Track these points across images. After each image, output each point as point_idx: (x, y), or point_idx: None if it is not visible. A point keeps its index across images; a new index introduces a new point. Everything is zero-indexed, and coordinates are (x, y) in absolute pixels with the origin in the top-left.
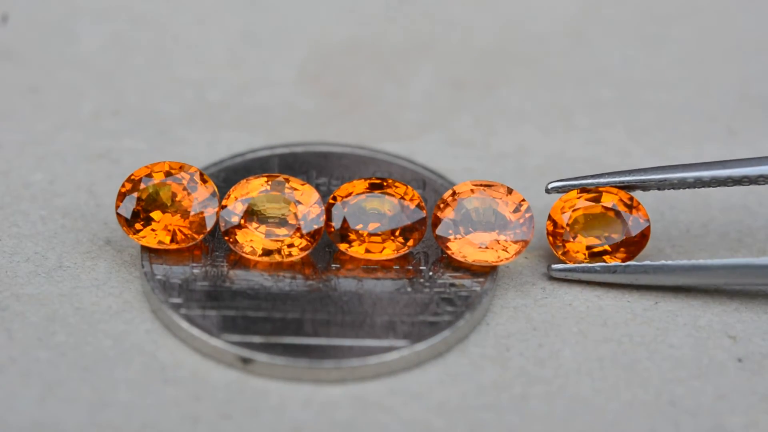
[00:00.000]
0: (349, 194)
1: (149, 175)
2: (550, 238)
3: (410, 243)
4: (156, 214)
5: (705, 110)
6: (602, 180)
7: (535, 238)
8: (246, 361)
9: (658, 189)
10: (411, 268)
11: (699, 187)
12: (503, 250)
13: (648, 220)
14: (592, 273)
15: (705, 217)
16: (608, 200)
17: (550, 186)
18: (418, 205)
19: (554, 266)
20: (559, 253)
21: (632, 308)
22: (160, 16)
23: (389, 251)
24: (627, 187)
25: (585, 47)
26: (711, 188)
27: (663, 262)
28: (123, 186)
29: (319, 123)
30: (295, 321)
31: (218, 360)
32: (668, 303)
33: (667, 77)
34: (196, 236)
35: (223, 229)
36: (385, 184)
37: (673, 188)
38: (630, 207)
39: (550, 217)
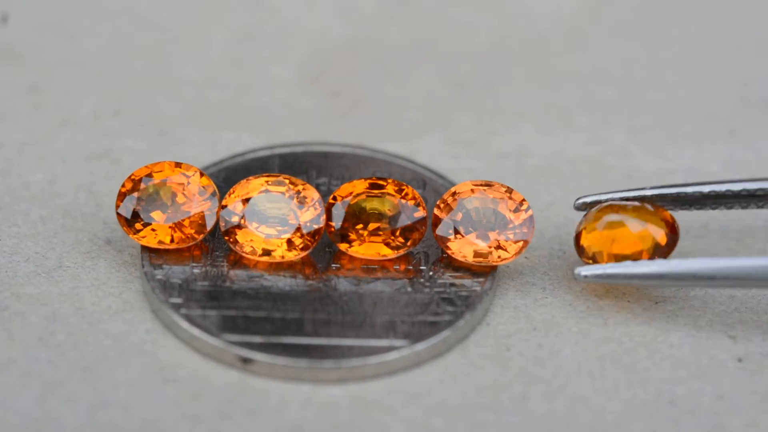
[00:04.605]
0: (349, 194)
1: (149, 175)
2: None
3: (410, 243)
4: (156, 214)
5: (705, 110)
6: (632, 194)
7: (535, 238)
8: (246, 361)
9: (689, 205)
10: (411, 268)
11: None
12: (503, 250)
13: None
14: (621, 278)
15: (705, 217)
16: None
17: (578, 201)
18: (418, 205)
19: (580, 270)
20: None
21: (632, 308)
22: (160, 16)
23: (389, 251)
24: (660, 198)
25: (585, 47)
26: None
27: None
28: (123, 186)
29: (319, 123)
30: (295, 321)
31: (218, 360)
32: (668, 303)
33: (667, 77)
34: (196, 236)
35: (223, 229)
36: (385, 184)
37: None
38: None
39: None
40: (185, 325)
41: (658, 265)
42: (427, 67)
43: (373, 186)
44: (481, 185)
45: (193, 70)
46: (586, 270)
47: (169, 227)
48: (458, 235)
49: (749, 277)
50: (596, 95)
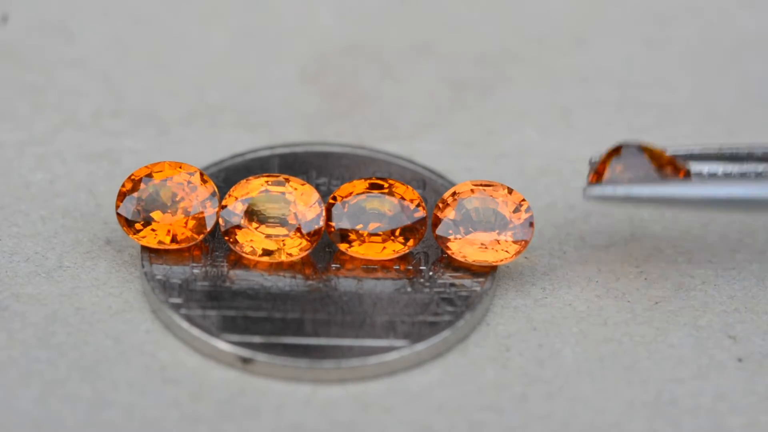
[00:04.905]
0: (349, 194)
1: (149, 175)
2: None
3: (410, 243)
4: (156, 214)
5: (705, 110)
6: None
7: (535, 238)
8: (246, 361)
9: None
10: (411, 268)
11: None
12: (503, 250)
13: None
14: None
15: (705, 217)
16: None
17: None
18: (418, 205)
19: (590, 189)
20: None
21: (632, 308)
22: (160, 16)
23: (389, 251)
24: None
25: (585, 47)
26: None
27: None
28: (123, 186)
29: (319, 123)
30: (295, 321)
31: (218, 360)
32: (668, 303)
33: (667, 77)
34: (196, 236)
35: (223, 229)
36: (385, 184)
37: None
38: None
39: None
40: (185, 325)
41: (667, 187)
42: (427, 67)
43: (373, 186)
44: (481, 185)
45: (193, 70)
46: (596, 190)
47: (169, 227)
48: (458, 235)
49: (756, 200)
50: (596, 95)
